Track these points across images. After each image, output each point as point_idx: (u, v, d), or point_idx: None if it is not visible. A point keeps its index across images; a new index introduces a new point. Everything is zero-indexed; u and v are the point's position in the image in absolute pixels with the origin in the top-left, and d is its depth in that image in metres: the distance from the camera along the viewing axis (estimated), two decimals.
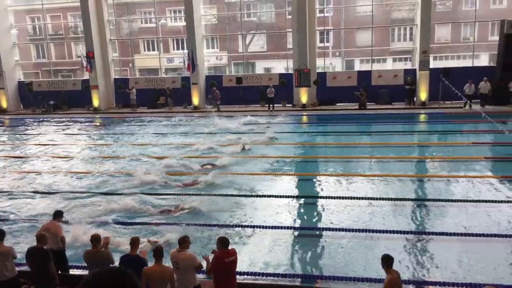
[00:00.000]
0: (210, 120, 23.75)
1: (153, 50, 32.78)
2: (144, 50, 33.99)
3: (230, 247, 6.96)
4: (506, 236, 9.55)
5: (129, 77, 31.44)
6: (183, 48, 30.72)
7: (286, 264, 8.88)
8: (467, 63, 27.19)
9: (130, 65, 33.21)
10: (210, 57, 31.85)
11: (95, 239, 7.30)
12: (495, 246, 9.28)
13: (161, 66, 31.66)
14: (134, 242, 7.15)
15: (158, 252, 6.71)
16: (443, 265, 8.62)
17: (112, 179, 14.54)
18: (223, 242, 6.99)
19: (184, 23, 28.48)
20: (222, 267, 6.76)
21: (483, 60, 28.28)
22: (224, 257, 6.83)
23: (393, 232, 9.87)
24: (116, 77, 30.78)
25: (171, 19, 33.58)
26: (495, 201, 11.41)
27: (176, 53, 33.00)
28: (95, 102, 29.41)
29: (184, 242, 6.98)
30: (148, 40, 33.18)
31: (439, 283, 7.89)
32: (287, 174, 14.65)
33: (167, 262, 7.05)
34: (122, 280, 2.11)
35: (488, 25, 27.84)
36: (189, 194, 12.61)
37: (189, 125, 23.84)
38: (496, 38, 25.61)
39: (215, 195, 12.50)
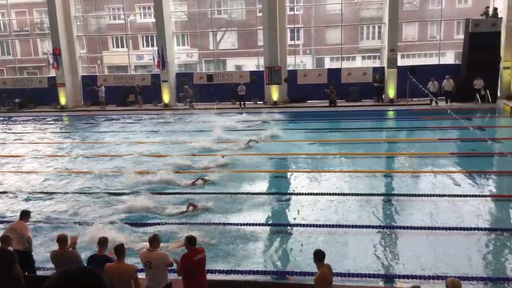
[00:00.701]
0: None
1: (122, 47, 32.27)
2: (113, 47, 33.42)
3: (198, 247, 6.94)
4: (470, 229, 9.84)
5: (97, 74, 30.90)
6: (152, 45, 30.37)
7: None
8: (433, 61, 27.83)
9: (99, 62, 32.62)
10: (181, 54, 31.59)
11: (61, 239, 7.16)
12: (460, 239, 9.55)
13: (130, 63, 31.22)
14: (102, 242, 7.04)
15: (118, 250, 6.65)
16: (410, 258, 8.82)
17: (115, 179, 14.22)
18: (190, 240, 6.97)
19: (154, 20, 28.15)
20: (190, 266, 6.76)
21: (449, 58, 28.99)
22: (192, 256, 6.82)
23: (362, 226, 10.04)
24: (84, 74, 30.18)
25: (140, 15, 33.12)
26: (461, 195, 11.74)
27: (145, 50, 32.60)
28: (62, 100, 28.76)
29: (155, 241, 6.94)
30: (116, 36, 32.64)
31: (407, 276, 8.07)
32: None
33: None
34: (92, 279, 2.07)
35: (454, 23, 28.53)
36: (198, 193, 12.43)
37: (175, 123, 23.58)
38: (461, 36, 26.26)
39: (222, 193, 12.30)
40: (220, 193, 12.26)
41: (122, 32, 31.02)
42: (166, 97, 27.83)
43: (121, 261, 6.61)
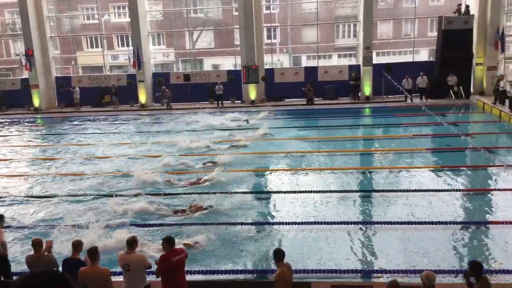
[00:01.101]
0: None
1: (97, 47, 31.80)
2: (87, 47, 32.92)
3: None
4: (446, 223, 10.03)
5: (71, 75, 30.41)
6: (128, 45, 30.02)
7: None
8: (408, 58, 28.23)
9: (73, 62, 32.10)
10: (157, 54, 31.33)
11: (36, 243, 7.04)
12: (436, 233, 9.71)
13: (105, 63, 30.81)
14: (76, 246, 6.95)
15: (92, 253, 6.59)
16: (387, 253, 8.93)
17: (110, 181, 13.97)
18: (169, 241, 6.95)
19: (129, 19, 27.83)
20: (169, 266, 6.74)
21: (423, 55, 29.45)
22: (171, 256, 6.81)
23: (339, 223, 10.13)
24: (58, 75, 29.65)
25: (114, 15, 32.70)
26: (436, 190, 11.95)
27: (121, 50, 32.21)
28: (36, 102, 28.20)
29: (134, 243, 6.88)
30: (91, 36, 32.15)
31: (385, 271, 8.18)
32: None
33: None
34: (56, 282, 2.04)
35: (427, 21, 28.99)
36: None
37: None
38: (434, 34, 26.72)
39: (226, 192, 12.22)
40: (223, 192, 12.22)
41: (97, 32, 30.58)
42: (142, 98, 27.56)
43: (95, 265, 6.57)
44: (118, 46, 32.79)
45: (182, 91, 27.41)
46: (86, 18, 32.48)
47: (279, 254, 6.53)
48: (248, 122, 21.55)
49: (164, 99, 26.72)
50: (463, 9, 24.96)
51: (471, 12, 24.87)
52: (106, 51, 31.09)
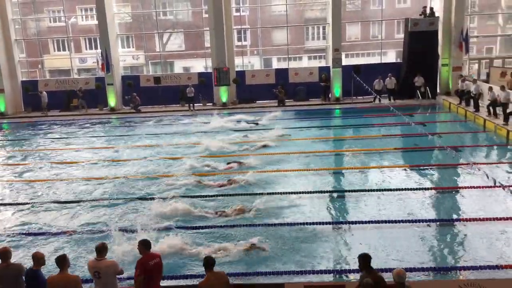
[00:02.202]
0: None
1: (64, 50, 31.19)
2: (54, 50, 32.26)
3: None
4: (416, 221, 10.26)
5: (38, 79, 29.70)
6: (96, 48, 29.55)
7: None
8: (376, 60, 28.76)
9: (39, 66, 31.36)
10: (126, 57, 30.93)
11: (3, 253, 6.86)
12: (407, 231, 9.91)
13: (73, 66, 30.25)
14: (37, 258, 6.78)
15: (60, 261, 6.50)
16: (359, 252, 9.05)
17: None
18: (145, 244, 6.90)
19: (96, 22, 27.40)
20: (147, 270, 6.68)
21: (391, 56, 30.03)
22: (148, 260, 6.76)
23: (313, 223, 10.23)
24: (24, 79, 28.94)
25: (81, 17, 32.15)
26: (406, 189, 12.21)
27: (89, 53, 31.67)
28: (1, 107, 27.44)
29: (104, 249, 6.79)
30: (58, 39, 31.51)
31: (356, 271, 8.29)
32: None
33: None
34: None
35: (394, 23, 29.58)
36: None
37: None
38: (401, 35, 27.29)
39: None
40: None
41: (64, 35, 29.98)
42: (112, 101, 27.17)
43: (64, 272, 6.49)
44: (86, 49, 32.24)
45: (153, 94, 27.16)
46: (52, 20, 31.80)
47: (207, 262, 6.55)
48: (257, 124, 21.78)
49: (132, 104, 26.54)
50: (428, 11, 25.58)
51: (436, 14, 25.52)
52: (73, 54, 30.53)
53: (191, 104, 26.33)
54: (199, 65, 30.52)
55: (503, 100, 18.42)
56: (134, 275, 6.74)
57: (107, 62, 26.37)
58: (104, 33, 26.63)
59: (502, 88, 18.69)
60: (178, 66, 32.01)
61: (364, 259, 6.43)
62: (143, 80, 28.02)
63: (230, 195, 12.39)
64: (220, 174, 14.26)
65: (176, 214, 11.06)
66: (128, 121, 24.82)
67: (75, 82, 28.27)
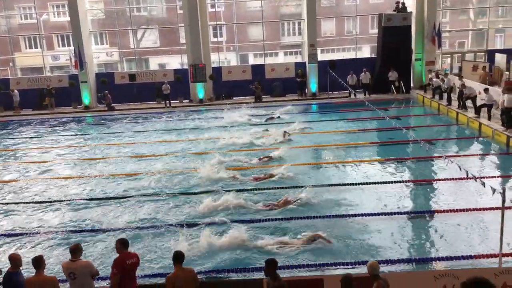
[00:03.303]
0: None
1: (36, 47, 30.50)
2: (26, 48, 31.49)
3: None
4: (391, 213, 10.42)
5: (9, 77, 29.00)
6: (69, 45, 29.01)
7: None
8: (351, 55, 29.01)
9: (11, 64, 30.61)
10: (100, 54, 30.45)
11: None
12: (382, 224, 10.06)
13: (46, 64, 29.64)
14: (14, 260, 6.65)
15: (36, 262, 6.43)
16: (340, 245, 9.16)
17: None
18: (123, 243, 6.86)
19: (69, 18, 26.90)
20: (125, 269, 6.66)
21: (366, 52, 30.31)
22: (125, 259, 6.73)
23: (299, 218, 10.31)
24: None
25: (53, 14, 31.50)
26: (381, 182, 12.38)
27: (61, 50, 31.06)
28: None
29: (78, 250, 6.70)
30: (29, 37, 30.79)
31: (334, 264, 8.39)
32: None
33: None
34: None
35: (368, 18, 29.85)
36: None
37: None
38: (376, 31, 27.58)
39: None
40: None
41: (35, 32, 29.32)
42: (86, 99, 26.74)
43: (40, 273, 6.42)
44: (59, 46, 31.61)
45: (128, 91, 26.84)
46: (23, 17, 31.07)
47: (176, 257, 6.56)
48: (273, 118, 21.80)
49: (104, 101, 26.21)
50: (400, 6, 25.90)
51: (409, 10, 25.87)
52: (46, 51, 29.91)
53: (167, 101, 26.11)
54: (175, 62, 30.27)
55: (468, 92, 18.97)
56: (111, 273, 6.70)
57: (80, 60, 25.93)
58: (76, 29, 26.16)
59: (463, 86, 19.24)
60: (153, 63, 31.66)
61: (271, 265, 6.30)
62: (118, 77, 27.64)
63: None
64: (253, 168, 14.28)
65: (227, 208, 11.09)
66: (136, 117, 24.59)
67: (47, 80, 27.71)
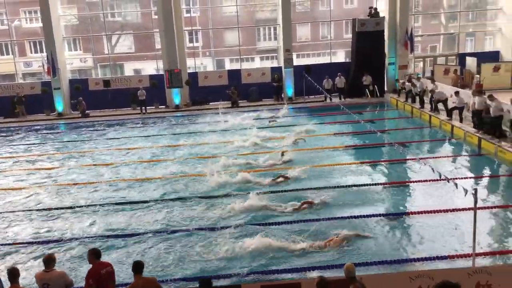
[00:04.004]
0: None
1: (8, 54, 29.88)
2: None
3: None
4: (367, 216, 10.54)
5: None
6: (41, 51, 28.51)
7: None
8: (326, 59, 29.30)
9: None
10: (73, 60, 29.99)
11: None
12: (358, 226, 10.16)
13: (18, 71, 29.05)
14: None
15: (10, 273, 6.32)
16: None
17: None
18: (95, 253, 6.77)
19: (41, 24, 26.46)
20: (99, 280, 6.56)
21: (340, 56, 30.64)
22: (99, 269, 6.64)
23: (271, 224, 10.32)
24: None
25: (25, 20, 30.93)
26: (357, 185, 12.51)
27: (34, 57, 30.49)
28: None
29: (52, 261, 6.59)
30: (1, 43, 30.14)
31: (312, 267, 8.43)
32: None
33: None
34: None
35: (342, 24, 30.20)
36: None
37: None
38: (350, 36, 27.93)
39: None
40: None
41: (7, 38, 28.74)
42: (59, 106, 26.30)
43: (15, 285, 6.29)
44: (31, 52, 31.02)
45: (102, 97, 26.51)
46: None
47: (136, 266, 6.53)
48: (276, 120, 21.96)
49: (78, 107, 25.85)
50: (373, 12, 26.33)
51: (382, 15, 26.30)
52: (17, 58, 29.33)
53: (143, 107, 25.89)
54: (150, 67, 30.05)
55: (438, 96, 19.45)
56: (85, 285, 6.60)
57: (53, 66, 25.51)
58: (49, 36, 25.75)
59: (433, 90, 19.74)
60: (128, 69, 31.34)
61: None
62: (92, 83, 27.28)
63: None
64: (267, 171, 14.36)
65: (251, 210, 11.16)
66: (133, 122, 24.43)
67: (19, 87, 27.15)
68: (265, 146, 17.54)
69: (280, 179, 13.44)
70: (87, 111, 25.93)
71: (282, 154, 15.44)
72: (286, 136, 18.37)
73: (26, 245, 10.26)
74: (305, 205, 11.23)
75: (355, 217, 10.55)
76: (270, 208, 11.28)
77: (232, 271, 8.55)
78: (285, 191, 12.60)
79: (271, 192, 12.54)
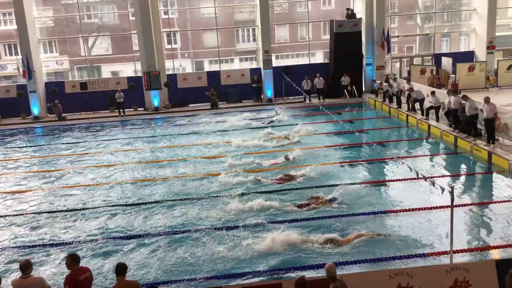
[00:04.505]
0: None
1: None
2: None
3: None
4: (352, 215, 10.62)
5: None
6: (16, 54, 27.99)
7: None
8: (305, 60, 29.46)
9: None
10: (49, 62, 29.52)
11: None
12: (337, 225, 10.23)
13: None
14: None
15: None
16: (292, 250, 9.23)
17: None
18: (74, 259, 6.67)
19: (16, 26, 25.97)
20: (78, 285, 6.46)
21: (319, 57, 30.84)
22: (78, 275, 6.56)
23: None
24: None
25: (0, 22, 30.31)
26: (336, 185, 12.59)
27: (8, 59, 29.91)
28: None
29: (29, 266, 6.48)
30: None
31: (293, 268, 8.45)
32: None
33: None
34: None
35: (320, 25, 30.43)
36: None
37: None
38: (328, 37, 28.15)
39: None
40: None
41: None
42: (35, 109, 25.85)
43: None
44: (6, 55, 30.44)
45: (79, 100, 26.16)
46: None
47: (117, 269, 6.50)
48: (274, 121, 21.98)
49: (54, 110, 25.48)
50: (350, 13, 26.59)
51: (359, 16, 26.58)
52: None
53: (121, 110, 25.62)
54: (128, 69, 29.75)
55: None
56: None
57: (28, 69, 25.08)
58: (24, 38, 25.31)
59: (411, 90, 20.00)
60: (106, 71, 30.96)
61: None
62: (68, 86, 26.90)
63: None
64: (272, 170, 14.45)
65: (259, 210, 11.19)
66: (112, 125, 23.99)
67: None
68: (266, 145, 17.76)
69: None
70: (63, 114, 25.56)
71: (287, 158, 15.39)
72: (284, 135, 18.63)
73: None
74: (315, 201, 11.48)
75: (334, 216, 10.62)
76: (276, 207, 11.40)
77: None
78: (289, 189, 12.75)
79: (274, 191, 12.67)
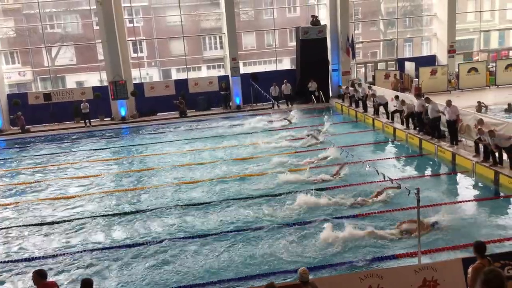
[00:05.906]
0: None
1: None
2: None
3: None
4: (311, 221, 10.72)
5: None
6: None
7: None
8: (272, 67, 29.69)
9: None
10: (11, 73, 28.74)
11: None
12: (306, 230, 10.32)
13: None
14: None
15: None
16: (269, 256, 9.25)
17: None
18: (41, 274, 6.55)
19: None
20: None
21: (286, 64, 31.14)
22: None
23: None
24: None
25: None
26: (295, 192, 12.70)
27: None
28: None
29: None
30: None
31: (262, 275, 8.46)
32: None
33: None
34: None
35: (287, 32, 30.75)
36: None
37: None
38: (294, 43, 28.47)
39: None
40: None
41: None
42: None
43: None
44: None
45: (43, 111, 25.56)
46: None
47: (84, 286, 6.42)
48: (291, 122, 22.13)
49: (19, 126, 24.83)
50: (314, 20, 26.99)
51: (324, 22, 27.00)
52: None
53: (87, 120, 25.16)
54: (94, 79, 29.28)
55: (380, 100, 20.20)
56: None
57: None
58: None
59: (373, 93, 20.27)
60: (71, 81, 30.35)
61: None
62: (32, 97, 26.25)
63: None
64: (314, 169, 14.63)
65: (318, 206, 11.48)
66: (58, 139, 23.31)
67: None
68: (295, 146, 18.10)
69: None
70: (27, 126, 24.91)
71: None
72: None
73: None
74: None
75: (304, 222, 10.71)
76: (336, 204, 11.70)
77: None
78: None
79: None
